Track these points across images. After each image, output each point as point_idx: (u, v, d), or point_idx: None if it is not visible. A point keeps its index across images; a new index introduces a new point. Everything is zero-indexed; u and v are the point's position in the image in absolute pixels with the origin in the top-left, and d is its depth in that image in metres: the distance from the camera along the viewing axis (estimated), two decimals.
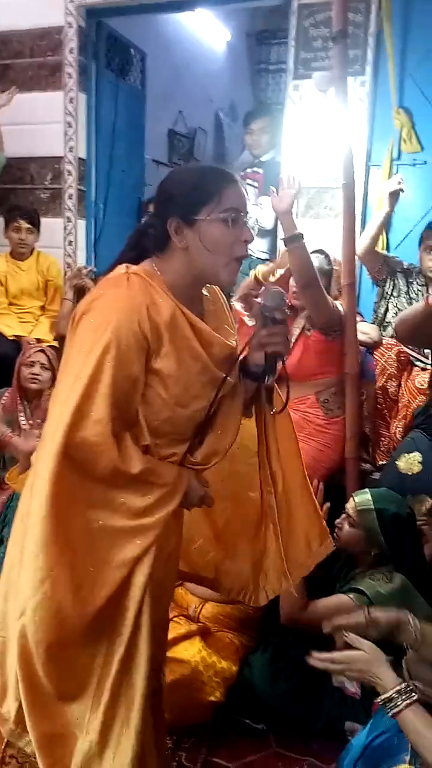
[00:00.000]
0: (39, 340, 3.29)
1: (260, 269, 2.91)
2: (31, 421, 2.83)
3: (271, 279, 2.88)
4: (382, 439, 2.87)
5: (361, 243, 3.02)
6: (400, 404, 2.83)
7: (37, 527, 1.27)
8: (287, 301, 1.47)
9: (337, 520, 2.23)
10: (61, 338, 3.40)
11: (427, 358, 2.82)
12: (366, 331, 2.88)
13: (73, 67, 3.90)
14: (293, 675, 2.12)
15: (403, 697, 1.38)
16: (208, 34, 5.53)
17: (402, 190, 3.01)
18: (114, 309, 1.30)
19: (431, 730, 1.35)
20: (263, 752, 2.04)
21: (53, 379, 2.83)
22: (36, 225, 3.67)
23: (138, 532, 1.35)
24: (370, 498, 2.16)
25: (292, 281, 2.74)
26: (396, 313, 3.03)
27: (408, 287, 3.04)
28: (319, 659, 1.48)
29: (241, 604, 2.23)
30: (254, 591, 1.73)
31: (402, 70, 3.25)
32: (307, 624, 2.11)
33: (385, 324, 3.09)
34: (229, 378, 1.47)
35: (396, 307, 3.05)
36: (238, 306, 2.90)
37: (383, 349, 2.89)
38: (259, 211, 3.70)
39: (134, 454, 1.32)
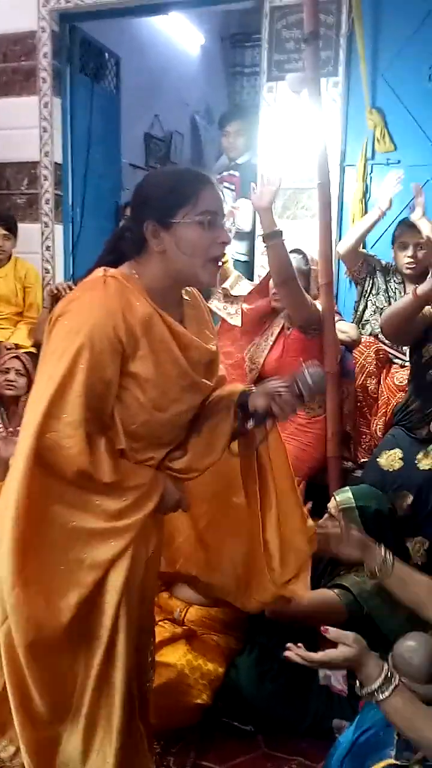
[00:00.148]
0: (17, 346, 3.27)
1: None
2: (10, 429, 2.81)
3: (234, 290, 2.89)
4: (363, 436, 2.89)
5: (347, 242, 3.03)
6: (380, 402, 2.85)
7: (7, 529, 1.27)
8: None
9: (320, 521, 2.23)
10: (38, 345, 3.38)
11: (405, 356, 2.84)
12: (345, 329, 2.90)
13: (47, 72, 3.88)
14: (279, 675, 2.12)
15: (391, 683, 1.38)
16: (182, 37, 5.54)
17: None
18: (89, 312, 1.30)
19: (420, 712, 1.35)
20: (252, 753, 2.03)
21: (29, 385, 2.82)
22: (13, 231, 3.65)
23: (113, 534, 1.34)
24: (351, 496, 2.17)
25: (271, 283, 2.75)
26: (375, 311, 3.06)
27: (386, 285, 3.07)
28: (297, 655, 1.48)
29: (226, 606, 2.24)
30: (243, 596, 1.73)
31: (374, 70, 3.28)
32: (291, 617, 2.11)
33: (364, 322, 3.12)
34: (209, 382, 1.47)
35: (375, 305, 3.07)
36: (216, 305, 2.91)
37: (362, 348, 2.91)
38: (237, 214, 3.71)
39: (106, 461, 1.31)
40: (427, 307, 2.40)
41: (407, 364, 2.76)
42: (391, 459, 2.47)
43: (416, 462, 2.37)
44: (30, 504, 1.28)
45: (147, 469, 1.42)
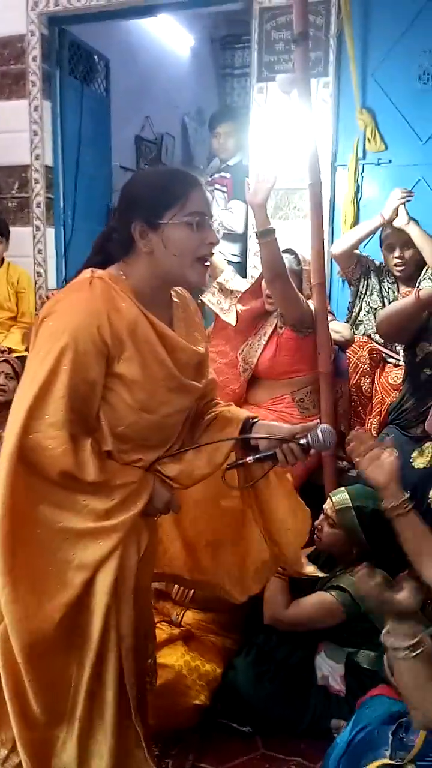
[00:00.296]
0: (11, 350, 3.26)
1: None
2: (2, 432, 2.80)
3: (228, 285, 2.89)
4: None
5: (343, 244, 3.03)
6: (374, 401, 2.86)
7: None
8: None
9: (317, 522, 2.23)
10: None
11: (399, 355, 2.85)
12: (338, 329, 2.90)
13: (36, 75, 3.88)
14: (277, 676, 2.12)
15: (419, 648, 1.37)
16: (171, 40, 5.54)
17: (410, 199, 2.95)
18: (73, 313, 1.30)
19: None
20: (250, 755, 2.03)
21: None
22: (5, 235, 3.64)
23: (101, 534, 1.34)
24: (347, 496, 2.17)
25: (264, 284, 2.75)
26: (368, 311, 3.06)
27: (380, 285, 3.07)
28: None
29: (221, 610, 2.24)
30: (234, 589, 1.74)
31: (364, 70, 3.30)
32: (290, 624, 2.11)
33: (358, 323, 3.12)
34: (197, 384, 1.47)
35: (369, 305, 3.08)
36: (210, 299, 2.91)
37: (356, 347, 2.91)
38: (229, 216, 3.71)
39: (91, 461, 1.31)
40: None
41: (401, 363, 2.77)
42: None
43: (411, 461, 2.37)
44: (16, 504, 1.28)
45: (135, 469, 1.42)
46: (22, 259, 3.90)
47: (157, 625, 2.25)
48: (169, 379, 1.39)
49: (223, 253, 3.55)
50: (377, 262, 3.10)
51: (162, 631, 2.24)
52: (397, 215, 2.90)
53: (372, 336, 2.98)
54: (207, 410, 1.61)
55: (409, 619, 1.42)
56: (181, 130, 6.06)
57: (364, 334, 3.03)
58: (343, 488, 2.24)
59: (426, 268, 2.86)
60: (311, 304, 2.67)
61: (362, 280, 3.09)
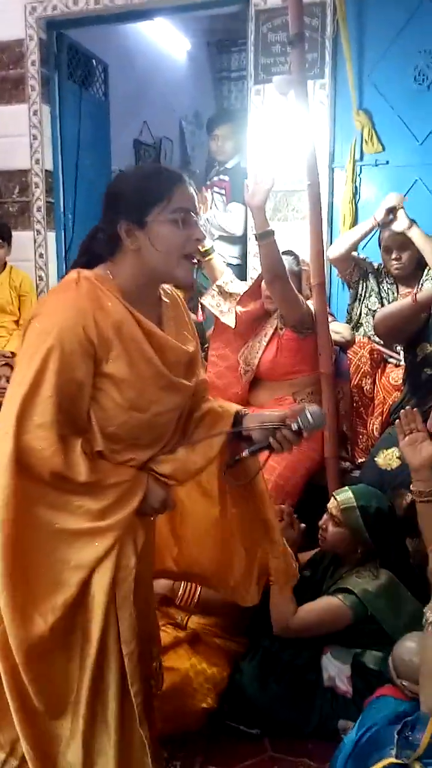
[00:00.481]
0: (14, 354, 3.27)
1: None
2: None
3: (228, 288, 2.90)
4: (360, 436, 2.89)
5: (339, 248, 3.03)
6: (375, 401, 2.86)
7: None
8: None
9: (321, 521, 2.24)
10: None
11: (399, 355, 2.85)
12: (339, 330, 2.91)
13: (35, 80, 3.90)
14: (284, 678, 2.12)
15: None
16: (168, 44, 5.56)
17: (401, 207, 2.93)
18: (59, 314, 1.31)
19: None
20: (258, 757, 2.02)
21: None
22: (7, 239, 3.65)
23: (97, 534, 1.34)
24: (351, 496, 2.18)
25: (263, 285, 2.76)
26: (368, 313, 3.07)
27: (378, 287, 3.08)
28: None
29: (225, 615, 2.24)
30: (225, 579, 1.73)
31: (360, 72, 3.31)
32: (300, 633, 2.11)
33: (358, 324, 3.13)
34: (188, 383, 1.47)
35: (368, 307, 3.08)
36: (209, 302, 2.91)
37: (356, 348, 2.91)
38: (228, 218, 3.72)
39: (82, 462, 1.31)
40: None
41: (402, 363, 2.77)
42: (388, 458, 2.47)
43: None
44: (16, 506, 1.28)
45: (128, 468, 1.42)
46: (23, 263, 3.91)
47: (163, 628, 2.26)
48: (157, 377, 1.39)
49: (223, 255, 3.56)
50: (375, 264, 3.10)
51: (168, 634, 2.23)
52: (390, 217, 2.90)
53: (372, 337, 2.98)
54: (198, 407, 1.61)
55: None
56: (179, 134, 6.08)
57: (364, 336, 3.03)
58: (347, 488, 2.25)
59: (427, 269, 2.86)
60: (311, 305, 2.68)
61: (361, 282, 3.09)
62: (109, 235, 1.38)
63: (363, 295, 3.09)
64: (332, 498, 2.23)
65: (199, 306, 3.44)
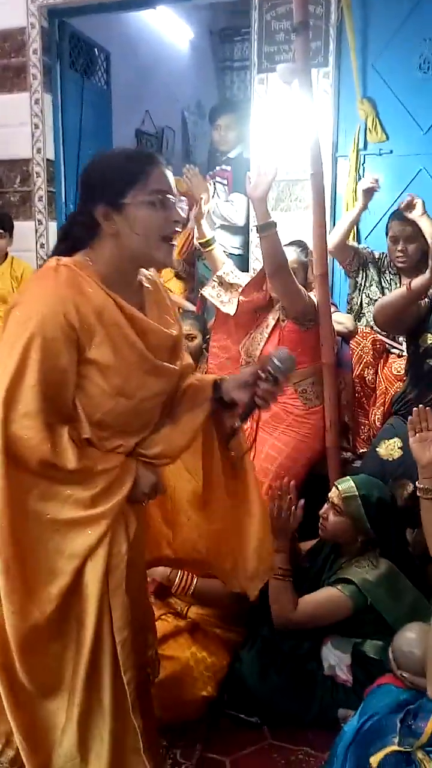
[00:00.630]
0: None
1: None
2: None
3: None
4: (362, 427, 2.89)
5: (333, 239, 3.02)
6: (378, 392, 2.85)
7: None
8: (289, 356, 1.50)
9: (322, 510, 2.24)
10: None
11: (402, 345, 2.84)
12: (341, 320, 2.90)
13: (37, 68, 3.87)
14: (284, 667, 2.13)
15: None
16: (171, 33, 5.53)
17: (376, 188, 2.99)
18: (39, 301, 1.30)
19: None
20: (258, 745, 2.03)
21: None
22: (8, 229, 3.63)
23: (89, 523, 1.34)
24: (353, 485, 2.17)
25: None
26: (369, 303, 3.06)
27: (380, 277, 3.06)
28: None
29: (221, 606, 2.25)
30: (222, 566, 1.72)
31: (364, 60, 3.29)
32: (299, 624, 2.11)
33: (361, 314, 3.11)
34: (173, 366, 1.47)
35: (369, 296, 3.07)
36: (210, 292, 2.90)
37: (359, 338, 2.90)
38: (230, 208, 3.70)
39: (70, 449, 1.30)
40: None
41: (404, 353, 2.76)
42: (390, 448, 2.47)
43: None
44: (11, 498, 1.28)
45: (117, 455, 1.41)
46: (24, 253, 3.89)
47: (163, 617, 2.27)
48: (142, 361, 1.39)
49: (224, 245, 3.54)
50: (376, 254, 3.08)
51: (168, 624, 2.24)
52: (367, 201, 2.93)
53: (374, 327, 2.97)
54: (180, 388, 1.60)
55: None
56: (181, 124, 6.05)
57: (366, 326, 3.02)
58: (349, 477, 2.24)
59: None
60: (313, 296, 2.66)
61: (360, 271, 3.08)
62: (87, 220, 1.37)
63: (363, 284, 3.08)
64: (334, 487, 2.23)
65: (199, 297, 3.44)
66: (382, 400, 2.82)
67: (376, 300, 2.99)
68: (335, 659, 2.12)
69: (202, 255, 3.35)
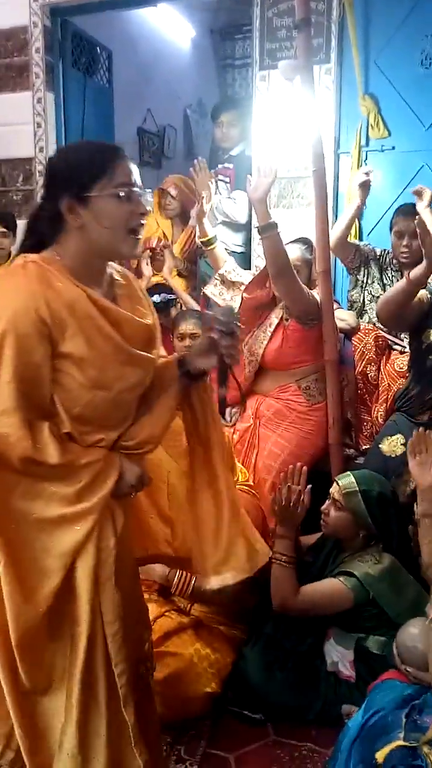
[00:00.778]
0: None
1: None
2: None
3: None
4: (365, 423, 2.89)
5: (333, 236, 3.01)
6: (380, 388, 2.85)
7: None
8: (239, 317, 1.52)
9: (323, 506, 2.24)
10: None
11: (404, 342, 2.84)
12: (343, 317, 2.90)
13: (40, 67, 3.88)
14: (287, 664, 2.13)
15: None
16: (172, 31, 5.52)
17: (370, 180, 2.97)
18: (9, 298, 1.29)
19: None
20: (262, 741, 2.04)
21: None
22: (11, 228, 3.63)
23: (75, 519, 1.34)
24: (353, 480, 2.18)
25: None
26: (371, 300, 3.05)
27: (381, 274, 3.06)
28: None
29: (221, 604, 2.25)
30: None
31: (366, 56, 3.28)
32: (300, 610, 2.12)
33: (363, 311, 3.11)
34: (150, 355, 1.46)
35: (371, 293, 3.06)
36: (212, 290, 2.90)
37: (361, 335, 2.90)
38: (233, 205, 3.70)
39: (51, 444, 1.30)
40: (425, 293, 2.39)
41: (407, 350, 2.76)
42: (393, 445, 2.47)
43: None
44: None
45: (98, 450, 1.41)
46: None
47: (167, 614, 2.27)
48: (117, 352, 1.38)
49: (226, 242, 3.54)
50: (378, 251, 3.07)
51: (172, 620, 2.25)
52: (364, 197, 2.90)
53: (377, 324, 2.96)
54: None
55: None
56: (183, 122, 6.04)
57: (369, 322, 3.02)
58: (349, 472, 2.25)
59: None
60: (316, 294, 2.66)
61: (362, 268, 3.07)
62: (52, 213, 1.37)
63: (365, 281, 3.07)
64: (334, 483, 2.23)
65: (202, 295, 3.44)
66: (384, 397, 2.81)
67: (377, 297, 2.99)
68: (338, 655, 2.12)
69: (204, 253, 3.34)
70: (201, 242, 3.05)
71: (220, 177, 3.81)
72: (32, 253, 1.37)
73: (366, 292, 3.08)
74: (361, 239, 3.29)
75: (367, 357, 2.86)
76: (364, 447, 2.82)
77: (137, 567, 1.61)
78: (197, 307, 3.70)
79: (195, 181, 3.07)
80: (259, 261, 3.43)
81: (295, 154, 3.22)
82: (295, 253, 2.77)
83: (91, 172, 1.33)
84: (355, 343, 2.90)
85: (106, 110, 4.55)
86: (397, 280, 3.00)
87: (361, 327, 2.94)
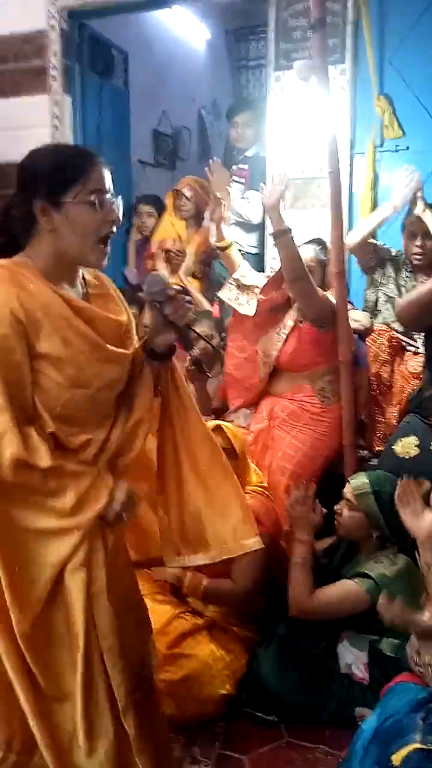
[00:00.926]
0: None
1: None
2: None
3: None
4: (379, 425, 2.87)
5: (356, 236, 2.98)
6: (394, 390, 2.84)
7: None
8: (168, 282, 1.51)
9: (336, 506, 2.23)
10: None
11: (418, 343, 2.82)
12: (358, 318, 2.88)
13: (57, 70, 3.89)
14: (301, 665, 2.13)
15: None
16: (187, 32, 5.54)
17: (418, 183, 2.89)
18: None
19: None
20: (276, 743, 2.04)
21: None
22: None
23: (64, 532, 1.35)
24: (366, 481, 2.17)
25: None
26: (386, 300, 3.04)
27: (396, 274, 3.04)
28: None
29: (230, 605, 2.26)
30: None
31: (381, 56, 3.26)
32: (316, 613, 2.11)
33: (376, 311, 3.09)
34: (125, 351, 1.47)
35: (385, 294, 3.05)
36: (227, 295, 2.90)
37: (375, 336, 2.88)
38: (246, 206, 3.70)
39: (41, 446, 1.31)
40: None
41: (420, 350, 2.74)
42: (407, 446, 2.46)
43: (431, 448, 2.36)
44: None
45: (91, 468, 1.42)
46: None
47: (182, 615, 2.28)
48: (95, 350, 1.39)
49: (240, 243, 3.54)
50: (393, 252, 3.06)
51: (187, 621, 2.25)
52: (404, 203, 2.85)
53: (391, 324, 2.95)
54: None
55: None
56: (198, 124, 6.05)
57: (382, 323, 3.00)
58: (362, 473, 2.25)
59: None
60: (330, 296, 2.65)
61: (378, 269, 3.06)
62: (23, 213, 1.37)
63: (380, 281, 3.05)
64: (347, 483, 2.22)
65: (216, 299, 3.45)
66: (398, 398, 2.80)
67: (392, 297, 2.98)
68: (352, 657, 2.12)
69: (218, 255, 3.35)
70: (217, 246, 3.05)
71: (235, 178, 3.81)
72: (3, 253, 1.38)
73: (380, 292, 3.07)
74: (375, 239, 3.27)
75: (381, 358, 2.84)
76: (377, 448, 2.81)
77: (134, 574, 1.61)
78: (210, 309, 3.71)
79: (210, 182, 3.06)
80: (273, 263, 3.43)
81: (309, 155, 3.21)
82: (309, 253, 2.77)
83: (66, 177, 1.33)
84: (369, 345, 2.88)
85: (122, 112, 4.57)
86: (412, 281, 2.99)
87: (375, 328, 2.92)
